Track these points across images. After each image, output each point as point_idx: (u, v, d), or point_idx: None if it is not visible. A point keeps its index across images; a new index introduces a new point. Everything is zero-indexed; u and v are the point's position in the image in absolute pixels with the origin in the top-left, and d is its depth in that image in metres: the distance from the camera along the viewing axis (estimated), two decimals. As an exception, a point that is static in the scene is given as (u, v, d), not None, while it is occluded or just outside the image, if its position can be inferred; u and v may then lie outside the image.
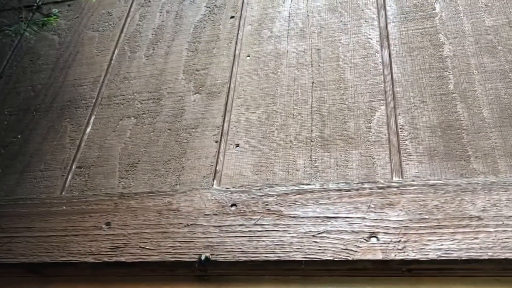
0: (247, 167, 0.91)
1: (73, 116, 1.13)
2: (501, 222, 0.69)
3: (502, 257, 0.67)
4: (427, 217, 0.73)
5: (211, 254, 0.77)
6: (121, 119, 1.08)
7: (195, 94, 1.07)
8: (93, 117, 1.11)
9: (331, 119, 0.93)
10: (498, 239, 0.68)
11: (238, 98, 1.03)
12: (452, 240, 0.70)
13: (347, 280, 0.76)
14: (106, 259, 0.82)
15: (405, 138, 0.86)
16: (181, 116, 1.04)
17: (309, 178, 0.86)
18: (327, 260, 0.73)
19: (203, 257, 0.77)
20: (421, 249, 0.70)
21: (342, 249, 0.73)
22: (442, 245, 0.70)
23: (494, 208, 0.71)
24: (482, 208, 0.71)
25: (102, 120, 1.09)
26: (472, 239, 0.69)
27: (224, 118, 1.00)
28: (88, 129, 1.09)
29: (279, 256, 0.75)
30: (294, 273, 0.77)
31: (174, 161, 0.96)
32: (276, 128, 0.95)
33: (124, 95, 1.12)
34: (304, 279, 0.77)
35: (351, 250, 0.73)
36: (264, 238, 0.78)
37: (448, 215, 0.72)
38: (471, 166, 0.79)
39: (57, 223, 0.90)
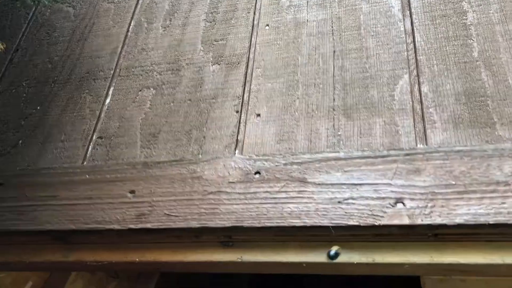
0: (269, 137, 0.91)
1: (92, 87, 1.12)
2: (529, 187, 0.69)
3: (532, 221, 0.67)
4: (453, 182, 0.73)
5: (236, 220, 0.78)
6: (140, 90, 1.08)
7: (214, 64, 1.06)
8: (112, 88, 1.10)
9: (353, 88, 0.92)
10: (526, 204, 0.68)
11: (258, 68, 1.02)
12: (480, 205, 0.70)
13: (373, 245, 0.76)
14: (132, 226, 0.83)
15: (429, 106, 0.85)
16: (200, 87, 1.04)
17: (332, 146, 0.86)
18: (353, 225, 0.73)
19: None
20: (448, 214, 0.70)
21: (368, 214, 0.73)
22: (469, 210, 0.70)
23: (521, 174, 0.71)
24: (510, 174, 0.71)
25: (121, 91, 1.09)
26: (500, 204, 0.69)
27: (244, 88, 1.00)
28: (108, 100, 1.09)
29: (304, 222, 0.76)
30: (319, 239, 0.78)
31: (196, 131, 0.97)
32: (298, 98, 0.94)
33: (142, 66, 1.12)
34: (329, 244, 0.78)
35: (378, 215, 0.73)
36: (289, 205, 0.78)
37: (475, 181, 0.72)
38: (496, 133, 0.79)
39: (81, 192, 0.91)
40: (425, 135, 0.82)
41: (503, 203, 0.69)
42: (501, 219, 0.68)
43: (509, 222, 0.67)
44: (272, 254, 0.80)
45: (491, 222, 0.68)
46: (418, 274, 0.77)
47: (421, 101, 0.86)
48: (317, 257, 0.78)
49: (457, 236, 0.72)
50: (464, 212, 0.70)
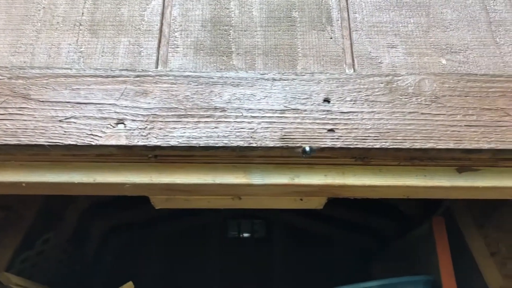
0: (3, 47, 0.81)
1: None
2: (240, 114, 0.74)
3: (235, 144, 0.72)
4: (176, 106, 0.74)
5: None
6: None
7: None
8: None
9: (105, 3, 0.86)
10: (235, 129, 0.73)
11: (5, -32, 0.89)
12: (195, 128, 0.73)
13: (96, 166, 0.75)
14: None
15: (175, 29, 0.84)
16: None
17: (71, 63, 0.80)
18: (70, 144, 0.71)
19: None
20: (164, 136, 0.72)
21: (87, 134, 0.71)
22: (184, 132, 0.72)
23: (237, 101, 0.75)
24: (228, 101, 0.75)
25: None
26: (213, 128, 0.73)
27: (-14, -10, 0.87)
28: None
29: (19, 140, 0.71)
30: (40, 159, 0.74)
31: None
32: (44, 7, 0.85)
33: None
34: (51, 165, 0.75)
35: (96, 135, 0.71)
36: (6, 122, 0.72)
37: (196, 106, 0.74)
38: (231, 62, 0.82)
39: None
40: (167, 58, 0.82)
41: (216, 127, 0.73)
42: (210, 141, 0.72)
43: (217, 145, 0.72)
44: (-11, 174, 0.74)
45: (201, 145, 0.71)
46: (143, 194, 0.80)
47: (169, 24, 0.85)
48: (38, 177, 0.75)
49: (175, 158, 0.75)
50: (179, 134, 0.72)
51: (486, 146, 0.72)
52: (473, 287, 3.43)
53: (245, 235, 4.32)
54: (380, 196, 0.80)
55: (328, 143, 0.72)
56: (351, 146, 0.72)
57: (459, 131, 0.73)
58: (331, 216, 3.93)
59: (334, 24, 0.85)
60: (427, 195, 0.79)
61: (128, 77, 0.76)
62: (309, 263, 4.08)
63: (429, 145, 0.72)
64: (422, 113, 0.74)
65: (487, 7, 0.87)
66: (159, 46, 0.82)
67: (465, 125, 0.73)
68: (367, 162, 0.76)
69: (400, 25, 0.85)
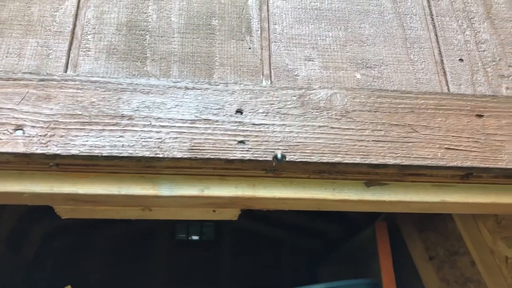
0: None
1: None
2: (149, 123, 0.72)
3: (141, 154, 0.70)
4: (80, 113, 0.71)
5: None
6: None
7: None
8: None
9: (13, 1, 0.82)
10: (141, 138, 0.71)
11: None
12: (99, 137, 0.70)
13: (-7, 173, 0.71)
14: None
15: (88, 32, 0.81)
16: None
17: (-29, 63, 0.76)
18: (-40, 151, 0.66)
19: None
20: (65, 144, 0.69)
21: (-20, 140, 0.67)
22: (87, 141, 0.69)
23: (146, 109, 0.73)
24: (136, 108, 0.73)
25: None
26: (118, 137, 0.70)
27: None
28: None
29: None
30: None
31: None
32: None
33: None
34: None
35: (-9, 142, 0.67)
36: None
37: (102, 113, 0.72)
38: (145, 68, 0.80)
39: None
40: (77, 62, 0.78)
41: (121, 136, 0.70)
42: (114, 151, 0.69)
43: (121, 155, 0.69)
44: None
45: (104, 154, 0.69)
46: (45, 204, 0.76)
47: (83, 26, 0.81)
48: None
49: (78, 167, 0.72)
50: (81, 143, 0.69)
51: (392, 161, 0.73)
52: (412, 290, 3.54)
53: (194, 238, 4.28)
54: (292, 208, 0.80)
55: (238, 155, 0.71)
56: (261, 159, 0.72)
57: (366, 146, 0.74)
58: (280, 219, 3.96)
59: (253, 34, 0.85)
60: (336, 208, 0.79)
61: (31, 80, 0.72)
62: (257, 266, 4.10)
63: (336, 159, 0.73)
64: (332, 127, 0.75)
65: (404, 24, 0.89)
66: (70, 49, 0.79)
67: (372, 140, 0.75)
68: (278, 174, 0.76)
69: (319, 38, 0.86)
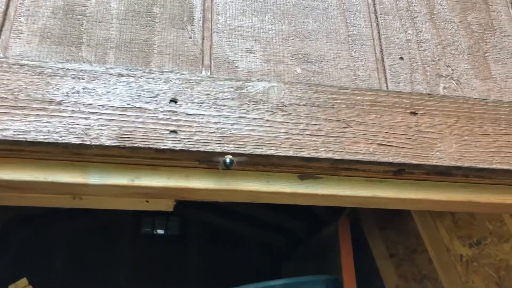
0: None
1: None
2: (77, 109, 0.70)
3: (67, 141, 0.68)
4: (5, 96, 0.69)
5: None
6: None
7: None
8: None
9: None
10: (69, 124, 0.69)
11: None
12: (24, 121, 0.68)
13: None
14: None
15: (22, 14, 0.78)
16: None
17: None
18: None
19: None
20: (-12, 128, 0.66)
21: None
22: (11, 125, 0.67)
23: (76, 95, 0.71)
24: (66, 94, 0.71)
25: None
26: (44, 122, 0.68)
27: None
28: None
29: None
30: None
31: None
32: None
33: None
34: None
35: None
36: None
37: (29, 97, 0.70)
38: (80, 53, 0.78)
39: None
40: (8, 44, 0.76)
41: (48, 122, 0.68)
42: (40, 137, 0.67)
43: (47, 141, 0.67)
44: None
45: (29, 140, 0.67)
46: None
47: (16, 8, 0.79)
48: None
49: (3, 152, 0.69)
50: (4, 127, 0.67)
51: (324, 155, 0.74)
52: (372, 287, 3.61)
53: (159, 232, 4.24)
54: (226, 200, 0.80)
55: (169, 145, 0.70)
56: (193, 149, 0.71)
57: (300, 140, 0.74)
58: (246, 214, 3.97)
59: (195, 24, 0.84)
60: (271, 200, 0.79)
61: (-47, 61, 0.69)
62: (222, 260, 4.09)
63: (269, 152, 0.73)
64: (267, 120, 0.75)
65: (348, 21, 0.90)
66: (1, 30, 0.76)
67: (307, 134, 0.75)
68: (212, 166, 0.75)
69: (262, 31, 0.86)
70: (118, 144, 0.69)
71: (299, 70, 0.83)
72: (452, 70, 0.89)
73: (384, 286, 3.33)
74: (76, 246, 3.84)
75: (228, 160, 0.71)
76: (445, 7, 0.95)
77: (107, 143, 0.69)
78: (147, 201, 0.80)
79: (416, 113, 0.80)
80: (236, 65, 0.82)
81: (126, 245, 4.06)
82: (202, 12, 0.85)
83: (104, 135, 0.69)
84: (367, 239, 3.46)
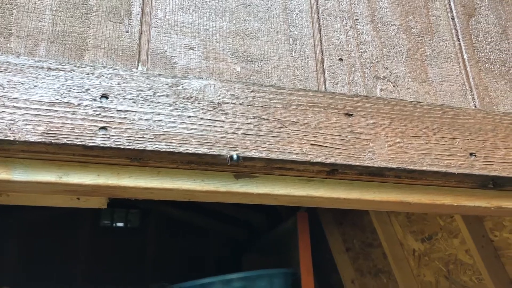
0: None
1: None
2: (2, 103, 0.68)
3: (-10, 137, 0.65)
4: None
5: None
6: None
7: None
8: None
9: None
10: (-9, 119, 0.66)
11: None
12: None
13: None
14: None
15: None
16: None
17: None
18: None
19: None
20: None
21: None
22: None
23: (0, 89, 0.68)
24: (-11, 87, 0.68)
25: None
26: (-36, 116, 0.65)
27: None
28: None
29: None
30: None
31: None
32: None
33: None
34: None
35: None
36: None
37: None
38: (9, 45, 0.75)
39: None
40: None
41: (-32, 115, 0.65)
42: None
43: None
44: None
45: None
46: None
47: None
48: None
49: None
50: None
51: (258, 154, 0.74)
52: (330, 281, 3.69)
53: (119, 224, 4.18)
54: (160, 198, 0.79)
55: (98, 142, 0.69)
56: (122, 147, 0.70)
57: (234, 139, 0.74)
58: (206, 207, 3.96)
59: (133, 18, 0.82)
60: (205, 199, 0.79)
61: None
62: (182, 254, 4.08)
63: (203, 150, 0.72)
64: (202, 118, 0.74)
65: (289, 20, 0.90)
66: None
67: (241, 133, 0.75)
68: (144, 163, 0.74)
69: (202, 27, 0.85)
70: (44, 140, 0.67)
71: (238, 69, 0.83)
72: (390, 72, 0.91)
73: (341, 279, 3.41)
74: (33, 239, 3.74)
75: (235, 156, 0.71)
76: (387, 10, 0.97)
77: (32, 139, 0.67)
78: (78, 199, 0.78)
79: (351, 115, 0.81)
80: (174, 61, 0.81)
81: (84, 237, 3.98)
82: (141, 6, 0.83)
83: (29, 131, 0.67)
84: (325, 233, 3.52)
